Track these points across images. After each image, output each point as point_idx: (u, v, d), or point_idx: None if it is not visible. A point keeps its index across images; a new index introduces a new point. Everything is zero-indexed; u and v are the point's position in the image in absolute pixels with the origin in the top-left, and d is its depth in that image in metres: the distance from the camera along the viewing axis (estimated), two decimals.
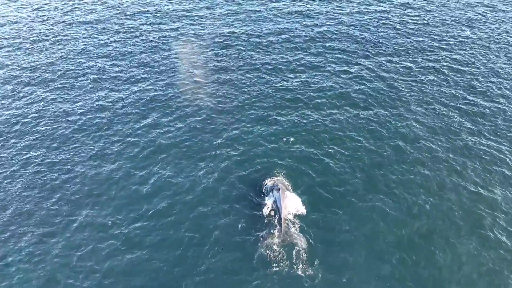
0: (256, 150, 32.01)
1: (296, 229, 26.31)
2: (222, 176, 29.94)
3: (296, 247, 25.19)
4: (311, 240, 25.59)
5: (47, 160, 31.59)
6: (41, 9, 53.23)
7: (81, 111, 36.29)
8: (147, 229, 26.64)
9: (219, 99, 37.29)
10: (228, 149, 32.07)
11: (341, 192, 28.68)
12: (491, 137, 32.94)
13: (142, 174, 30.24)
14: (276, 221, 26.67)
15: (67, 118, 35.51)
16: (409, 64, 41.47)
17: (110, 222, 27.15)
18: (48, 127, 34.65)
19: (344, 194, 28.58)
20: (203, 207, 27.92)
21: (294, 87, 38.66)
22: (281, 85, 38.77)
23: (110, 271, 24.52)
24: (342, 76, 39.94)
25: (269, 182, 28.98)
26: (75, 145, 32.90)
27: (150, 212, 27.69)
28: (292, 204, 27.51)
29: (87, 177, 30.19)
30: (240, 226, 26.67)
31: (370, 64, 41.51)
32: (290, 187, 28.85)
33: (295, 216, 27.07)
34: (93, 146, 32.71)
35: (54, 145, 32.97)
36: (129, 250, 25.51)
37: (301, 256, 24.75)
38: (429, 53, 43.12)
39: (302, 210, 27.36)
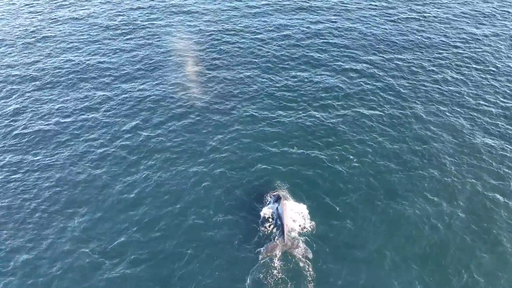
0: (254, 155, 29.13)
1: (300, 243, 23.38)
2: (217, 184, 27.02)
3: (300, 264, 22.35)
4: (317, 256, 22.70)
5: (25, 164, 28.80)
6: (31, 5, 50.58)
7: (66, 111, 33.52)
8: (131, 245, 23.70)
9: (215, 99, 34.42)
10: (224, 154, 29.19)
11: (349, 202, 25.74)
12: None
13: (128, 182, 27.34)
14: (278, 233, 23.83)
15: (51, 119, 32.74)
16: (419, 62, 38.61)
17: (92, 235, 24.28)
18: (29, 129, 31.89)
19: (352, 204, 25.63)
20: (194, 219, 25.01)
21: (296, 86, 35.79)
22: (282, 84, 35.88)
23: None
24: (348, 75, 37.04)
25: (270, 195, 26.03)
26: (56, 148, 30.09)
27: (135, 226, 24.72)
28: (296, 217, 24.66)
29: (68, 184, 27.38)
30: (235, 242, 23.67)
31: (376, 62, 38.63)
32: (292, 199, 25.97)
33: (300, 229, 24.22)
34: (75, 150, 29.92)
35: (33, 149, 30.18)
36: (111, 267, 22.60)
37: (305, 275, 21.89)
38: (439, 50, 40.25)
39: (307, 223, 24.49)
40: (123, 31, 44.34)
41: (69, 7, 49.64)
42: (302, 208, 25.13)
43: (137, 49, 41.25)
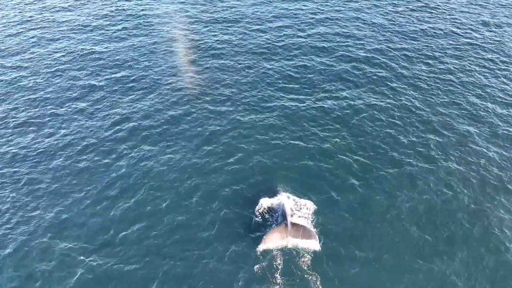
0: (251, 146, 27.37)
1: (305, 230, 21.37)
2: (212, 190, 24.68)
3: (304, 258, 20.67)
4: (322, 248, 21.07)
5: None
6: None
7: (56, 101, 31.73)
8: (116, 257, 21.22)
9: (211, 88, 32.66)
10: (220, 157, 26.90)
11: (363, 213, 23.53)
12: None
13: (118, 174, 25.52)
14: (280, 220, 22.08)
15: (41, 108, 30.93)
16: (433, 53, 37.00)
17: (74, 246, 21.88)
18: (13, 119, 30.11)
19: (366, 214, 23.42)
20: (186, 230, 22.48)
21: (297, 76, 34.09)
22: (286, 81, 33.93)
23: None
24: (353, 64, 35.45)
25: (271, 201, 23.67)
26: (44, 138, 28.32)
27: (119, 238, 22.10)
28: (299, 210, 22.96)
29: (57, 173, 25.63)
30: (227, 255, 21.26)
31: (384, 52, 37.00)
32: (294, 192, 24.28)
33: (304, 220, 22.50)
34: (63, 141, 28.15)
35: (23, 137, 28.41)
36: (96, 283, 20.50)
37: (310, 270, 20.24)
38: (450, 41, 38.61)
39: (310, 214, 22.79)
40: (117, 20, 42.56)
41: None
42: (306, 202, 23.49)
43: (131, 38, 39.49)
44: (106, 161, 26.54)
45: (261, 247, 21.06)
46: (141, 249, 21.62)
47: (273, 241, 21.07)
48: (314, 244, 21.03)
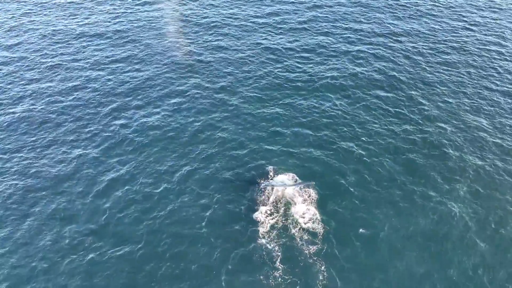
0: (249, 135, 27.54)
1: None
2: (211, 164, 25.18)
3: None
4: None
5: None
6: None
7: (52, 93, 31.71)
8: (102, 256, 20.61)
9: (209, 80, 32.91)
10: (218, 135, 27.51)
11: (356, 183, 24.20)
12: None
13: (120, 162, 25.63)
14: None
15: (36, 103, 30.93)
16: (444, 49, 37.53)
17: (65, 238, 21.47)
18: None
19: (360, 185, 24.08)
20: (180, 227, 21.98)
21: (296, 69, 34.35)
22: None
23: None
24: (353, 58, 35.82)
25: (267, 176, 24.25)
26: (41, 130, 28.29)
27: (107, 237, 21.45)
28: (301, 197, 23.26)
29: (56, 163, 25.64)
30: (216, 254, 20.82)
31: (386, 45, 37.45)
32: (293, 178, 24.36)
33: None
34: (60, 131, 28.16)
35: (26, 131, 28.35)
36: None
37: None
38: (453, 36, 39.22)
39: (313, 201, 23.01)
40: (112, 14, 42.66)
41: None
42: (307, 183, 23.72)
43: (127, 32, 39.57)
44: (104, 151, 26.62)
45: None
46: (138, 230, 21.74)
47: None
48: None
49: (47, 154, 26.26)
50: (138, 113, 29.45)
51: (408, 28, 39.98)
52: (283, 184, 22.92)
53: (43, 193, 23.73)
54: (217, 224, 21.97)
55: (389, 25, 40.50)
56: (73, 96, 31.21)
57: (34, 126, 28.42)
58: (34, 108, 30.01)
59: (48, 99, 30.91)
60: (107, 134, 27.76)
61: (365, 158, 25.84)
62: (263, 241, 20.98)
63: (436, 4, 44.67)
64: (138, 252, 20.76)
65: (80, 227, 21.95)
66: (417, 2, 44.87)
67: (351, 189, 23.85)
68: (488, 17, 41.89)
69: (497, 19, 41.50)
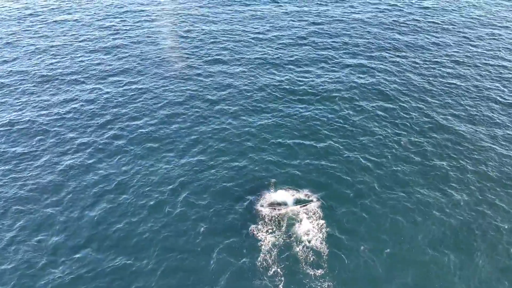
0: (246, 145, 26.16)
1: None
2: (208, 185, 23.51)
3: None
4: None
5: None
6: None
7: (50, 105, 30.51)
8: (92, 270, 19.14)
9: (206, 91, 31.76)
10: (218, 154, 25.92)
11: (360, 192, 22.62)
12: None
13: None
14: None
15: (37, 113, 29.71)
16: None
17: (42, 257, 19.76)
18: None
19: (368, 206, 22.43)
20: (174, 240, 20.46)
21: (295, 82, 33.21)
22: (279, 80, 33.31)
23: None
24: (356, 70, 34.77)
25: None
26: (39, 140, 26.95)
27: (97, 250, 19.95)
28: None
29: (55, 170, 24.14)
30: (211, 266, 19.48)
31: (386, 58, 36.43)
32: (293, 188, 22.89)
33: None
34: (61, 139, 26.78)
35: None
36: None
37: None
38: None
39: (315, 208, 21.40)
40: (112, 30, 42.07)
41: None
42: (309, 195, 22.36)
43: (126, 47, 38.82)
44: (106, 160, 25.16)
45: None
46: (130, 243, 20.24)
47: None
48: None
49: (39, 164, 24.89)
50: (134, 125, 28.24)
51: (408, 43, 39.05)
52: (284, 204, 21.43)
53: (35, 203, 22.37)
54: (215, 237, 20.43)
55: (390, 40, 39.58)
56: (69, 108, 30.09)
57: (28, 137, 27.24)
58: (29, 119, 28.86)
59: (44, 111, 29.78)
60: (101, 145, 26.47)
61: (369, 170, 24.29)
62: (264, 259, 19.26)
63: (435, 21, 43.99)
64: (128, 265, 19.05)
65: (71, 238, 20.45)
66: (415, 19, 44.18)
67: (357, 202, 22.25)
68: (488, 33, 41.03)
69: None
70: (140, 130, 27.76)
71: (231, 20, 43.76)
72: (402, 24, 42.72)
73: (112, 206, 22.26)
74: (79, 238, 20.61)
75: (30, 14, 45.87)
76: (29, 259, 19.65)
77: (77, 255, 19.76)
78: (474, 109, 29.72)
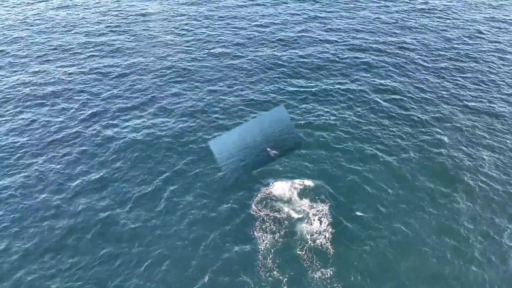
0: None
1: None
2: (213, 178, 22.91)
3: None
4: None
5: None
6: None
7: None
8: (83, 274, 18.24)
9: (206, 86, 31.04)
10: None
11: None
12: None
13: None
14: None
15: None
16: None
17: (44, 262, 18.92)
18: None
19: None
20: (171, 241, 19.66)
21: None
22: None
23: None
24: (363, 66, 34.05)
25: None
26: (44, 135, 26.24)
27: (92, 252, 19.07)
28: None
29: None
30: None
31: (390, 52, 35.67)
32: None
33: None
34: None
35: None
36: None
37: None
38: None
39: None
40: (111, 27, 41.28)
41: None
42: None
43: (123, 43, 38.05)
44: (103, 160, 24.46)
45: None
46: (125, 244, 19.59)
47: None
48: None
49: (35, 163, 24.25)
50: (130, 123, 27.52)
51: (413, 39, 38.27)
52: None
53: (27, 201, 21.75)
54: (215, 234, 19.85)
55: (394, 37, 38.76)
56: (63, 106, 29.40)
57: (19, 132, 26.62)
58: (23, 116, 28.22)
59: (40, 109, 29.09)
60: (96, 144, 25.75)
61: (378, 167, 23.62)
62: (264, 259, 18.61)
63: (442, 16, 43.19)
64: (119, 265, 18.50)
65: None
66: (423, 15, 43.39)
67: (366, 200, 21.56)
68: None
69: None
70: (135, 129, 27.04)
71: (231, 16, 43.01)
72: (405, 19, 41.96)
73: (98, 196, 21.69)
74: (60, 229, 20.04)
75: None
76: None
77: (62, 245, 19.32)
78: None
